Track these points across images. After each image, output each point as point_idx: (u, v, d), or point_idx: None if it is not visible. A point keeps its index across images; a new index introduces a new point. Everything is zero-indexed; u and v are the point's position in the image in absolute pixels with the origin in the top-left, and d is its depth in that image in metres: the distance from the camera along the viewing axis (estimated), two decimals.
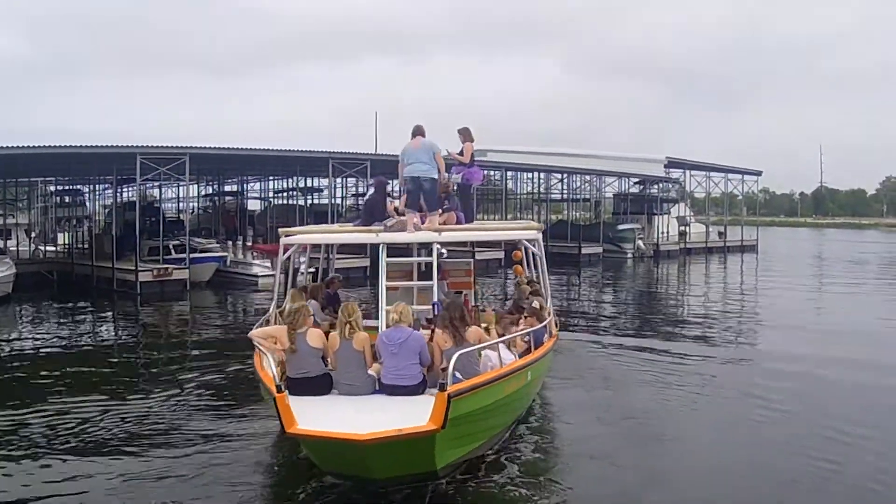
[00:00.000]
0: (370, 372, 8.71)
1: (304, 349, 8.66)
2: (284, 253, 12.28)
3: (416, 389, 8.52)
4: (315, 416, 7.45)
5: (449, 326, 8.88)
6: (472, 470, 8.49)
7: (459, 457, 8.17)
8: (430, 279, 10.64)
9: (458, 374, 7.92)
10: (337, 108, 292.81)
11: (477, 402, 7.87)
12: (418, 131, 11.33)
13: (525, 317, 11.23)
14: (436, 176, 11.22)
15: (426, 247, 11.46)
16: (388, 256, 10.71)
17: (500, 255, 36.27)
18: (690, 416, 11.57)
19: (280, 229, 13.29)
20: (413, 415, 7.38)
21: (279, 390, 7.30)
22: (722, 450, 9.97)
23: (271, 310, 11.64)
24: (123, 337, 20.33)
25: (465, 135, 12.68)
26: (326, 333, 9.20)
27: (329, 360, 8.87)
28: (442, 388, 7.20)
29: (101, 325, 22.15)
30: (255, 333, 9.30)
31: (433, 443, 7.35)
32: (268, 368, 8.17)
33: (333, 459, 7.72)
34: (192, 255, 29.80)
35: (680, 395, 12.72)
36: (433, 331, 9.24)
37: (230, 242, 35.51)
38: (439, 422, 7.12)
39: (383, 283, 10.37)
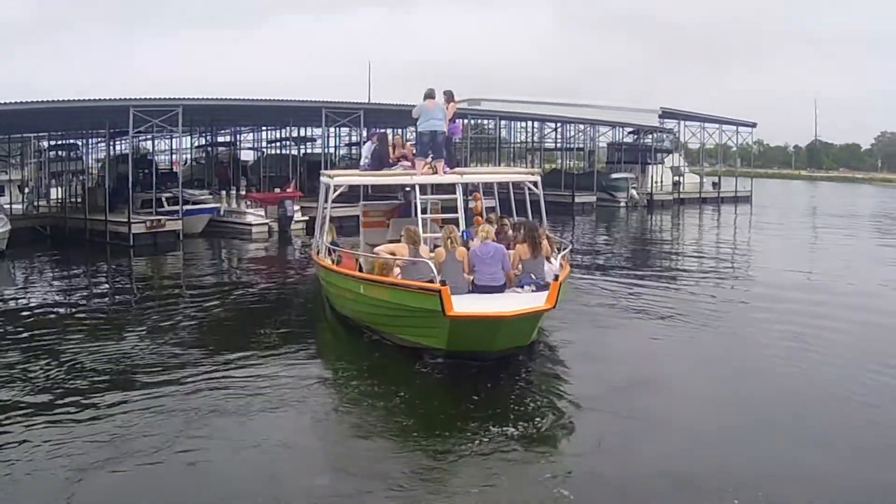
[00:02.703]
0: (466, 277, 11.21)
1: (420, 259, 11.09)
2: (335, 192, 14.37)
3: (502, 288, 11.19)
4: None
5: (529, 241, 11.57)
6: (476, 430, 8.33)
7: (532, 339, 10.83)
8: (410, 216, 13.25)
9: (532, 276, 11.18)
10: (322, 58, 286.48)
11: (562, 292, 10.44)
12: (431, 94, 13.71)
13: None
14: (445, 130, 13.80)
15: (450, 187, 13.80)
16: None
17: (493, 202, 36.14)
18: (687, 356, 11.71)
19: (328, 171, 16.22)
20: (514, 302, 10.13)
21: (443, 283, 9.79)
22: (717, 390, 10.05)
23: (324, 237, 14.66)
24: (117, 287, 20.40)
25: (449, 96, 14.50)
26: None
27: (435, 268, 10.93)
28: (556, 278, 10.29)
29: (95, 277, 22.18)
30: (380, 249, 12.13)
31: (538, 320, 10.17)
32: (428, 272, 10.61)
33: (468, 336, 9.89)
34: (185, 208, 29.65)
35: (677, 335, 13.00)
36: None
37: (223, 192, 35.26)
38: (553, 301, 9.91)
39: (420, 216, 12.84)
